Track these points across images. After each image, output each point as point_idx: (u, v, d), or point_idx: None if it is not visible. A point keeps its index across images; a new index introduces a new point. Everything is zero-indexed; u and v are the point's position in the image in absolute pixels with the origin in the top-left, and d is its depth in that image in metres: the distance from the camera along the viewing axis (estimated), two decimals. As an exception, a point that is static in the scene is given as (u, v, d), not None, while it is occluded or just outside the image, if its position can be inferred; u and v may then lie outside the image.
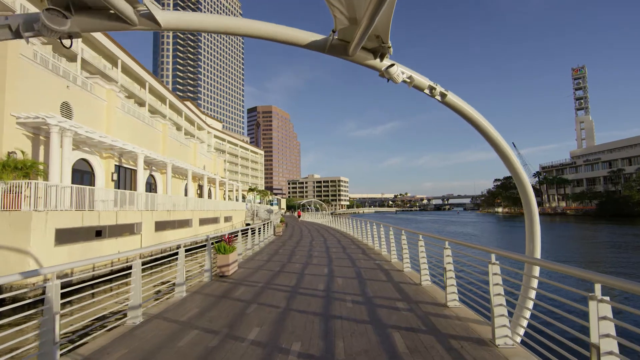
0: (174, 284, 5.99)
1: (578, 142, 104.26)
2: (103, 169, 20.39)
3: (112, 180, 20.70)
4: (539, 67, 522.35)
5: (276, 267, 8.84)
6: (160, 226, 21.41)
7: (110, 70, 35.17)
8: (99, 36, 32.07)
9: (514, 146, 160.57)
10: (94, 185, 19.02)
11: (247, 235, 12.14)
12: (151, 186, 27.54)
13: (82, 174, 19.06)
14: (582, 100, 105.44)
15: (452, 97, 3.61)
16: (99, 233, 15.71)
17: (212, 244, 7.59)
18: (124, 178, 23.27)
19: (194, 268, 7.94)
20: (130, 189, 23.06)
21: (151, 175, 27.14)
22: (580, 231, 39.58)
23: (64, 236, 13.61)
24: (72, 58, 29.66)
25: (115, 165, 21.77)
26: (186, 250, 6.09)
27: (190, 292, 6.18)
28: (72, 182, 17.84)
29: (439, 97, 3.59)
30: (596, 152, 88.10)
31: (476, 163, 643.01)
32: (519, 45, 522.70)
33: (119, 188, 21.84)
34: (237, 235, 10.03)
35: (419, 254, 6.29)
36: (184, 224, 25.26)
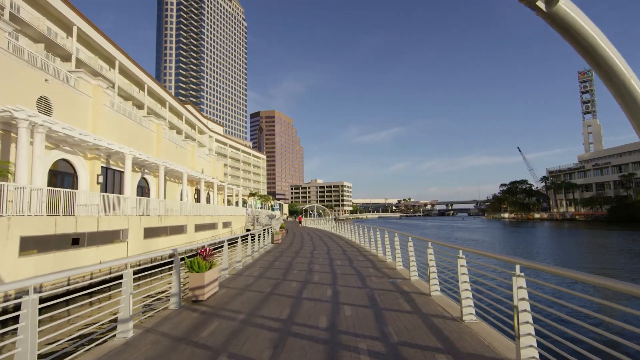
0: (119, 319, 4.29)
1: (585, 146, 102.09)
2: (87, 171, 18.82)
3: (98, 183, 19.12)
4: (543, 70, 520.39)
5: (267, 286, 7.11)
6: (151, 233, 19.77)
7: (108, 71, 33.92)
8: (95, 36, 30.81)
9: (519, 151, 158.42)
10: (76, 189, 17.47)
11: (240, 245, 10.40)
12: (144, 190, 25.96)
13: (63, 176, 17.48)
14: (589, 104, 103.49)
15: (565, 5, 1.94)
16: (75, 241, 14.06)
17: (183, 259, 5.92)
18: (112, 181, 21.70)
19: (159, 291, 6.25)
20: (120, 193, 21.49)
21: (143, 179, 25.58)
22: (602, 239, 36.82)
23: (32, 245, 11.99)
24: (66, 58, 28.33)
25: (102, 167, 20.20)
26: (151, 268, 4.40)
27: (142, 329, 4.47)
28: (51, 185, 16.28)
29: (541, 4, 1.92)
30: (605, 156, 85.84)
31: (480, 168, 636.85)
32: (521, 49, 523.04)
33: (106, 191, 20.26)
34: (221, 246, 8.33)
35: (460, 276, 4.51)
36: (178, 230, 23.61)
